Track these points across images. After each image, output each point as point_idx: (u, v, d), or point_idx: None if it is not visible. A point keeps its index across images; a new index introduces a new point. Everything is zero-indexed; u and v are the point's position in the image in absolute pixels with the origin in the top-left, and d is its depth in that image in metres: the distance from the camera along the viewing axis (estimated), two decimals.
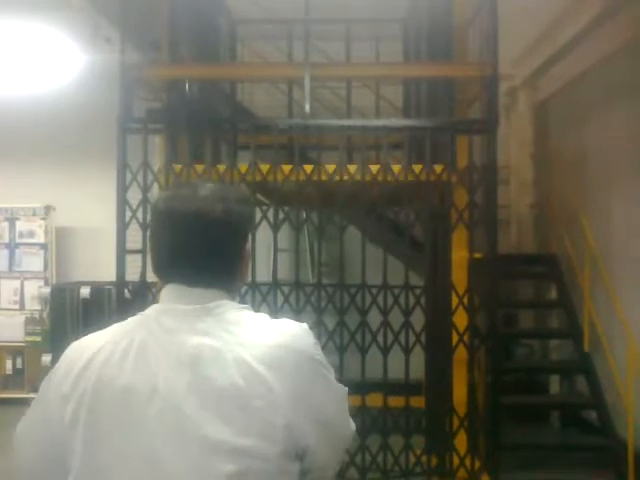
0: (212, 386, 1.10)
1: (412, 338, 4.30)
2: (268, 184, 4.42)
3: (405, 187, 4.31)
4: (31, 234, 7.23)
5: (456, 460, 4.24)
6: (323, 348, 4.24)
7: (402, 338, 4.29)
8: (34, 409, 1.21)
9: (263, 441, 1.08)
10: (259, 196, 4.79)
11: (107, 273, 5.11)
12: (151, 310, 1.23)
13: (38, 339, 6.94)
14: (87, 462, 1.11)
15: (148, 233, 1.28)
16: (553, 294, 6.34)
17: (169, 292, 1.23)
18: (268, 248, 4.61)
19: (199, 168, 4.32)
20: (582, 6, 5.45)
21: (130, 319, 1.23)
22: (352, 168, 4.31)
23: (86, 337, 1.23)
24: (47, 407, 1.17)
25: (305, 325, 1.24)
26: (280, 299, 4.35)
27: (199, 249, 1.20)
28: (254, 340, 1.15)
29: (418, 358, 4.55)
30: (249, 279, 4.07)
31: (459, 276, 4.33)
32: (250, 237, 1.33)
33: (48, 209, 7.21)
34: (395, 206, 4.57)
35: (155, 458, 1.08)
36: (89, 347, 1.19)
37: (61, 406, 1.14)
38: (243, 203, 1.27)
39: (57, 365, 1.21)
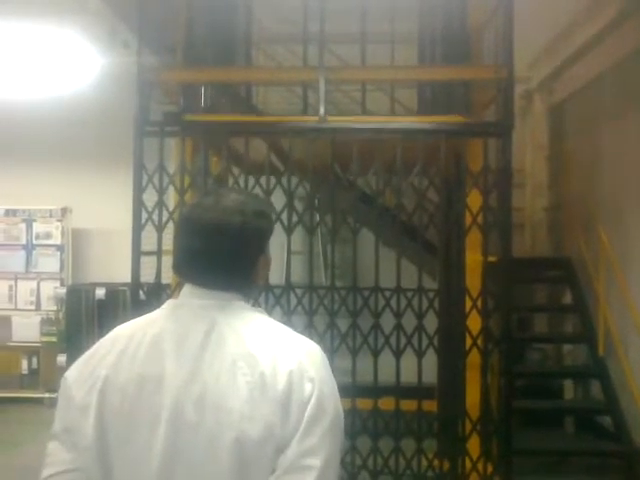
0: (212, 379, 1.18)
1: (425, 341, 4.29)
2: (282, 148, 4.41)
3: (420, 149, 4.28)
4: (47, 235, 7.31)
5: (468, 464, 4.22)
6: (335, 351, 4.24)
7: (415, 341, 4.28)
8: (65, 382, 1.29)
9: (251, 423, 1.15)
10: (273, 160, 4.73)
11: (122, 274, 5.17)
12: (167, 304, 1.33)
13: (53, 339, 7.01)
14: (97, 444, 1.20)
15: (173, 234, 1.37)
16: (568, 298, 6.29)
17: (187, 290, 1.32)
18: (282, 250, 4.62)
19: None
20: (598, 9, 5.42)
21: (152, 312, 1.33)
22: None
23: (120, 325, 1.33)
24: (69, 386, 1.27)
25: (317, 352, 1.26)
26: (293, 301, 4.37)
27: (215, 257, 1.27)
28: (257, 351, 1.21)
29: (431, 361, 4.54)
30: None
31: (473, 279, 4.32)
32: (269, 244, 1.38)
33: (64, 211, 7.29)
34: (410, 171, 4.48)
35: (154, 440, 1.17)
36: (114, 336, 1.30)
37: (77, 388, 1.25)
38: (262, 215, 1.33)
39: (91, 348, 1.31)
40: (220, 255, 1.27)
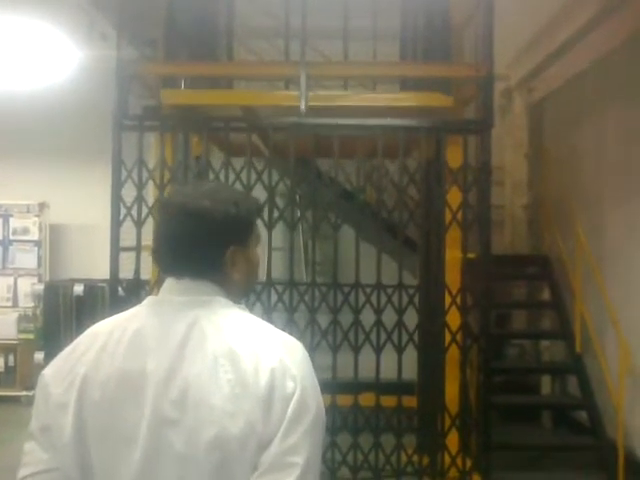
0: (193, 376, 1.17)
1: (405, 337, 4.31)
2: (264, 125, 4.44)
3: (401, 137, 4.33)
4: (25, 231, 7.20)
5: (447, 459, 4.25)
6: (316, 347, 4.23)
7: (395, 337, 4.30)
8: (42, 379, 1.26)
9: (232, 420, 1.14)
10: (255, 141, 4.72)
11: (101, 270, 5.11)
12: (148, 301, 1.31)
13: (31, 336, 6.90)
14: (76, 441, 1.19)
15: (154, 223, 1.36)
16: (545, 295, 6.36)
17: (166, 285, 1.30)
18: (262, 246, 4.60)
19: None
20: (577, 7, 5.47)
21: (132, 309, 1.31)
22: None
23: (99, 322, 1.31)
24: (47, 383, 1.25)
25: (299, 348, 1.25)
26: (274, 298, 4.36)
27: (188, 241, 1.26)
28: (238, 348, 1.20)
29: (411, 357, 4.57)
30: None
31: (452, 276, 4.35)
32: (252, 238, 1.35)
33: (42, 206, 7.19)
34: (392, 155, 4.51)
35: (135, 436, 1.16)
36: (93, 333, 1.28)
37: (55, 385, 1.23)
38: (240, 204, 1.30)
39: (70, 345, 1.29)
40: (191, 239, 1.26)
